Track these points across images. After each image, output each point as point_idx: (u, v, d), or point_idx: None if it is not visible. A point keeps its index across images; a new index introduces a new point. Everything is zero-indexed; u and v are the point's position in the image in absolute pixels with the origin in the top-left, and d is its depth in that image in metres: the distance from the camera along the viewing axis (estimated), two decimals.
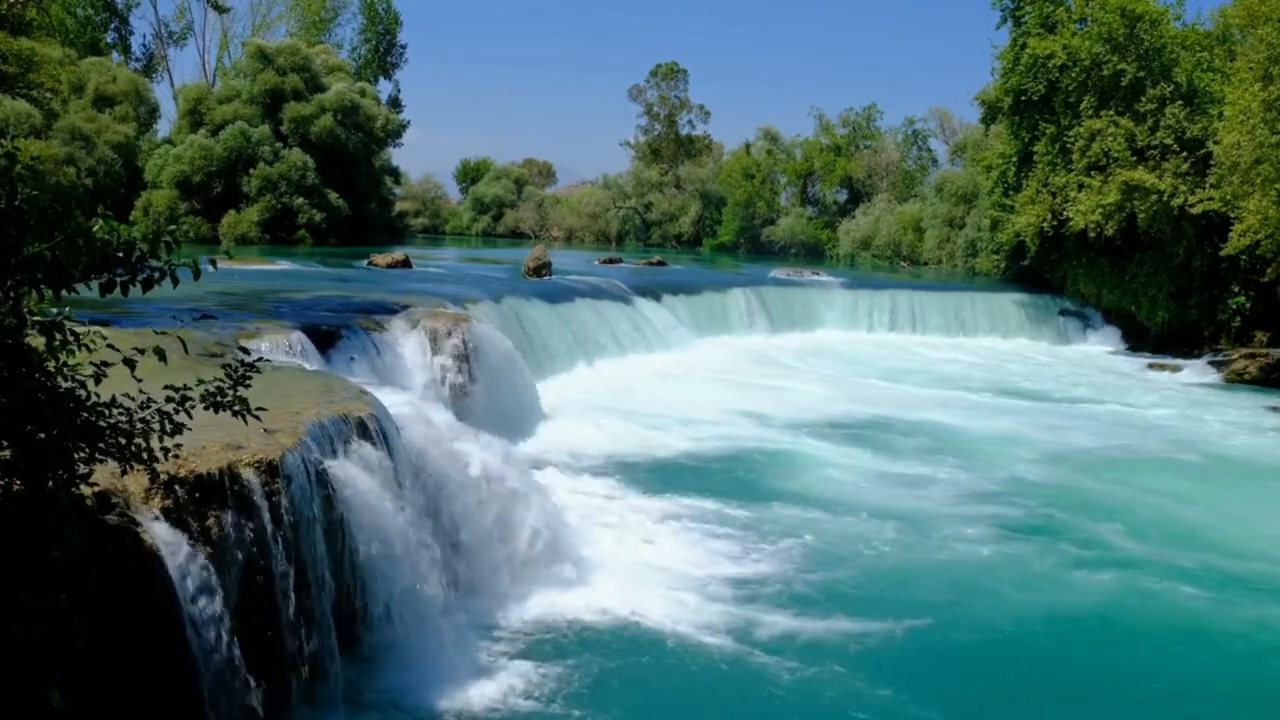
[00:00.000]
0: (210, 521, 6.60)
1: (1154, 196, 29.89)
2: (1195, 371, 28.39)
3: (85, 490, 5.12)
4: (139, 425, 5.14)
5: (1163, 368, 29.15)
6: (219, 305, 15.95)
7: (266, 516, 6.98)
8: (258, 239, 44.47)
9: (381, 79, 67.44)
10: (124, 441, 5.03)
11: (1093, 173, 31.54)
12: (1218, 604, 10.84)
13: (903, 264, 54.31)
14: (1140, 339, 32.83)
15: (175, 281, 4.82)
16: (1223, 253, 28.34)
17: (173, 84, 61.49)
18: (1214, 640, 10.07)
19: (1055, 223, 32.73)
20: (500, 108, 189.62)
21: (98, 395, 4.97)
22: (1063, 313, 34.75)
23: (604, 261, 41.56)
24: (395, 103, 66.39)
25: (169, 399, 5.28)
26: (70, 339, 4.74)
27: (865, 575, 11.18)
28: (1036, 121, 33.86)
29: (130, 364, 4.95)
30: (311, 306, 17.29)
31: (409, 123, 59.40)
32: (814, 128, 68.93)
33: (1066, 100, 32.32)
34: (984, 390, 24.17)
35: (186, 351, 6.05)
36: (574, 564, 10.39)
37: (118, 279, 4.74)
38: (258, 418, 5.62)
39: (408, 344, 15.79)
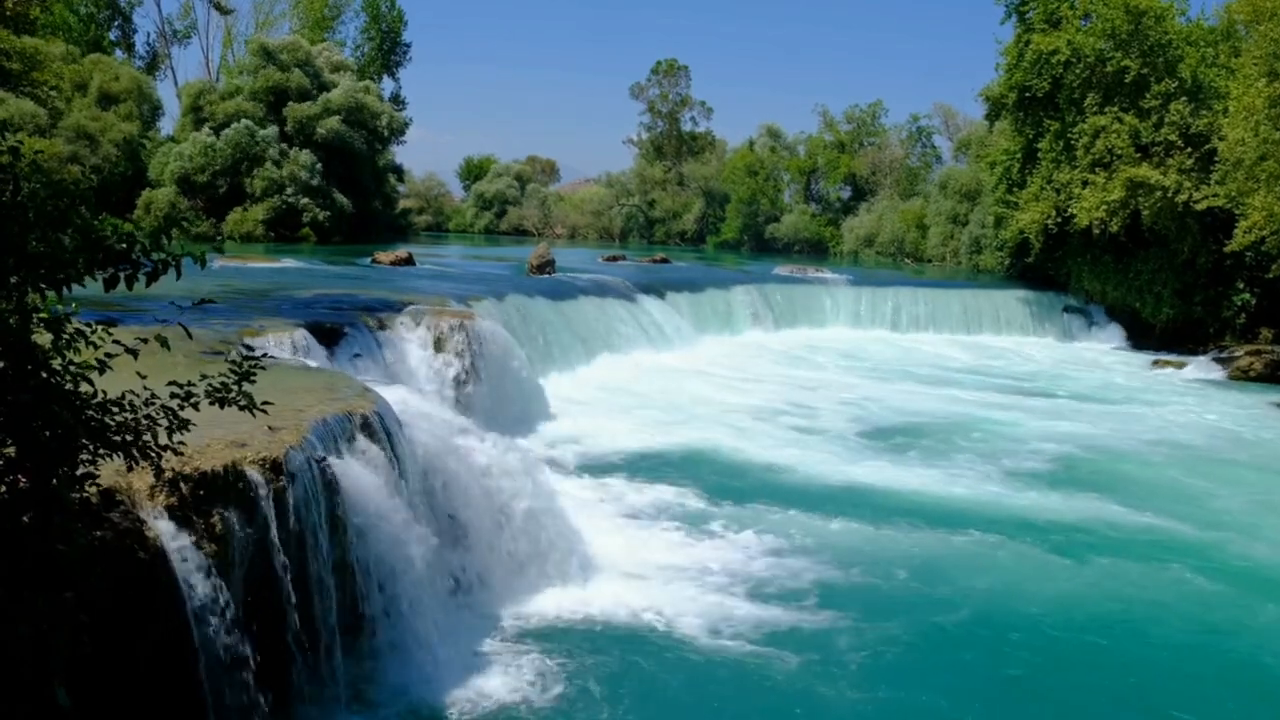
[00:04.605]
0: (214, 519, 6.60)
1: (1158, 193, 29.84)
2: (1200, 368, 28.34)
3: (90, 488, 5.12)
4: (145, 422, 5.13)
5: (1167, 365, 29.11)
6: (223, 303, 15.96)
7: (270, 514, 6.98)
8: (262, 237, 44.57)
9: (385, 77, 67.45)
10: (130, 439, 5.03)
11: (1097, 169, 31.48)
12: None
13: (906, 261, 54.29)
14: (1144, 336, 32.77)
15: (179, 272, 4.81)
16: (1227, 249, 28.28)
17: (176, 82, 61.51)
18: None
19: (1059, 220, 32.66)
20: (503, 106, 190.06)
21: (104, 392, 4.97)
22: (1067, 310, 34.70)
23: (607, 259, 41.63)
24: (397, 101, 66.36)
25: (174, 395, 5.28)
26: (75, 336, 4.74)
27: (875, 570, 11.13)
28: (1041, 118, 33.80)
29: (133, 353, 4.94)
30: (315, 304, 17.29)
31: (412, 121, 59.48)
32: (818, 124, 69.06)
33: (1071, 97, 32.24)
34: (986, 389, 24.14)
35: (190, 337, 6.04)
36: (577, 560, 10.39)
37: (121, 273, 4.73)
38: (265, 412, 5.62)
39: (411, 341, 15.81)
